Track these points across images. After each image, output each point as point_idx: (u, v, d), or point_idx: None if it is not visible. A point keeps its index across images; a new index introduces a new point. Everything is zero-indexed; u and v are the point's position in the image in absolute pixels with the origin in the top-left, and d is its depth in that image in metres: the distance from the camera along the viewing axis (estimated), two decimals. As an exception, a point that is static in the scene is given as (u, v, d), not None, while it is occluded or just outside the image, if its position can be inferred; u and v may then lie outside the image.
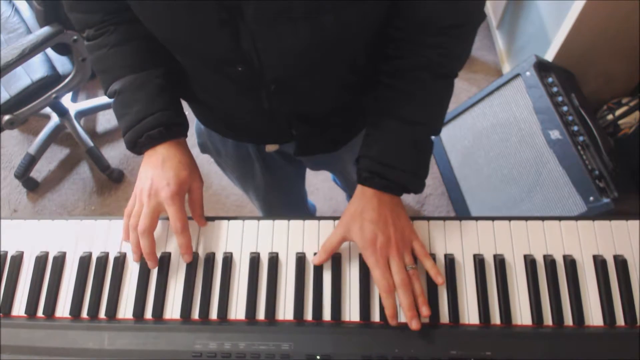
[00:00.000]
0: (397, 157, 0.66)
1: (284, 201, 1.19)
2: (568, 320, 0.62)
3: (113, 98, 0.69)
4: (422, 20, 0.61)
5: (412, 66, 0.65)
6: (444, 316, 0.63)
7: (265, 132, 0.82)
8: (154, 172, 0.66)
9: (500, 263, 0.65)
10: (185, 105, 0.86)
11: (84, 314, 0.65)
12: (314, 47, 0.59)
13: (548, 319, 0.62)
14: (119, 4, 0.65)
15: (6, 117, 1.48)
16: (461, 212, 1.66)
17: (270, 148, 0.88)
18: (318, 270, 0.66)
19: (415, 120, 0.66)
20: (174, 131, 0.69)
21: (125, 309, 0.65)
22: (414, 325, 0.61)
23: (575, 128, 1.30)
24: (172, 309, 0.65)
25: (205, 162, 1.93)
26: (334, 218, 0.69)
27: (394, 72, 0.66)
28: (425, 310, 0.62)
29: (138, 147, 0.68)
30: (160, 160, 0.67)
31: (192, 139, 1.78)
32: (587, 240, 0.66)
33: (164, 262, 0.67)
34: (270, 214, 1.22)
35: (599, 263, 0.64)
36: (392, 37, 0.65)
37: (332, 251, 0.66)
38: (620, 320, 0.62)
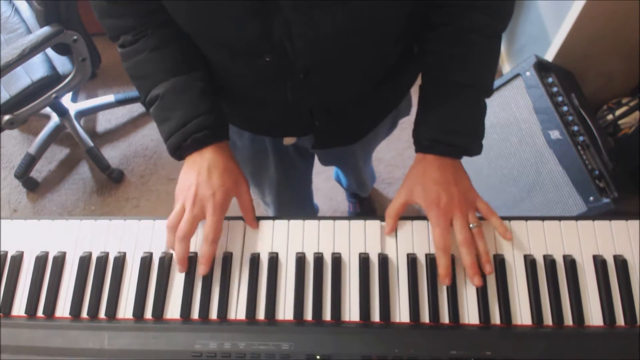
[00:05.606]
0: (456, 121, 0.67)
1: (294, 198, 1.19)
2: (568, 320, 0.62)
3: (154, 103, 0.67)
4: None
5: (461, 29, 0.65)
6: (444, 316, 0.63)
7: (286, 125, 0.82)
8: (199, 179, 0.65)
9: (500, 263, 0.65)
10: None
11: (84, 314, 0.66)
12: (349, 31, 0.59)
13: (548, 319, 0.62)
14: (151, 4, 0.64)
15: (6, 117, 1.48)
16: (461, 212, 1.65)
17: (288, 141, 0.88)
18: (318, 270, 0.66)
19: (469, 82, 0.67)
20: (219, 134, 0.68)
21: (125, 309, 0.65)
22: (476, 281, 0.63)
23: (575, 128, 1.30)
24: (172, 309, 0.65)
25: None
26: (334, 218, 0.69)
27: (443, 37, 0.67)
28: (488, 268, 0.64)
29: (182, 150, 0.67)
30: (205, 167, 0.66)
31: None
32: (587, 240, 0.66)
33: (164, 262, 0.67)
34: (281, 212, 1.22)
35: (599, 263, 0.64)
36: (436, 5, 0.65)
37: (397, 216, 0.68)
38: (620, 320, 0.62)
